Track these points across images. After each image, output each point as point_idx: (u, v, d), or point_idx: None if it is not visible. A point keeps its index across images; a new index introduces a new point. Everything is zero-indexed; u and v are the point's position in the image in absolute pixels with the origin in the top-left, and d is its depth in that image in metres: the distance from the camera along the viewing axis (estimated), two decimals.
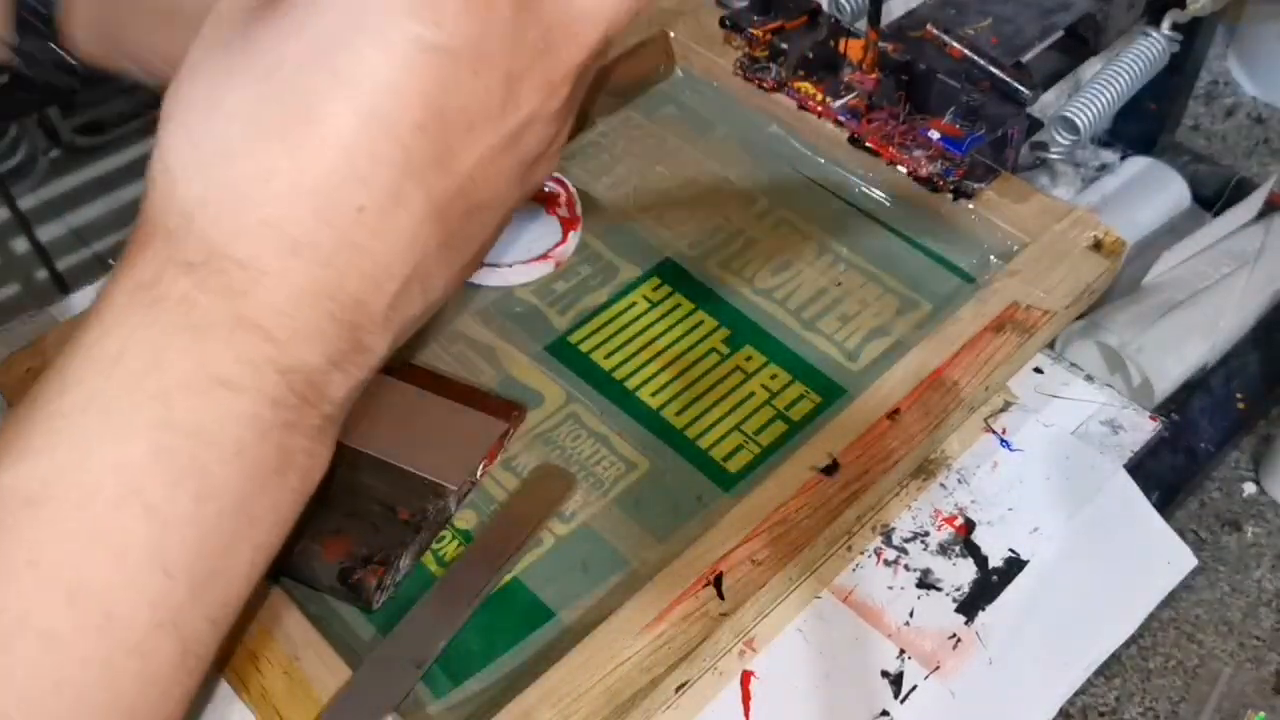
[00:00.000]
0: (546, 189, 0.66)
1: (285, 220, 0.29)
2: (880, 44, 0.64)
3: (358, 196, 0.29)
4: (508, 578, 0.50)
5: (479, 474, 0.53)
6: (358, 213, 0.29)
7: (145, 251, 0.31)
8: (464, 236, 0.33)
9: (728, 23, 0.70)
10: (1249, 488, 0.90)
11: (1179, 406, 0.85)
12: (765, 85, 0.68)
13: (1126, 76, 0.72)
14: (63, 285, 1.43)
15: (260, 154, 0.29)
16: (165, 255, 0.30)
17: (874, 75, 0.65)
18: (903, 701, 0.48)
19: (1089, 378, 0.60)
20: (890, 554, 0.53)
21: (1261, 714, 0.78)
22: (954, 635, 0.50)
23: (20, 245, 1.50)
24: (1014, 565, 0.52)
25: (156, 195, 0.31)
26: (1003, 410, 0.58)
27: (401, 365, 0.57)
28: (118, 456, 0.30)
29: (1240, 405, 0.85)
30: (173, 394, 0.30)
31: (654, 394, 0.57)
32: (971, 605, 0.51)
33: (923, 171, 0.63)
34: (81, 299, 0.63)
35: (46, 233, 1.51)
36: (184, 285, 0.30)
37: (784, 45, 0.67)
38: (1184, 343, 0.85)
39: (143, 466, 0.31)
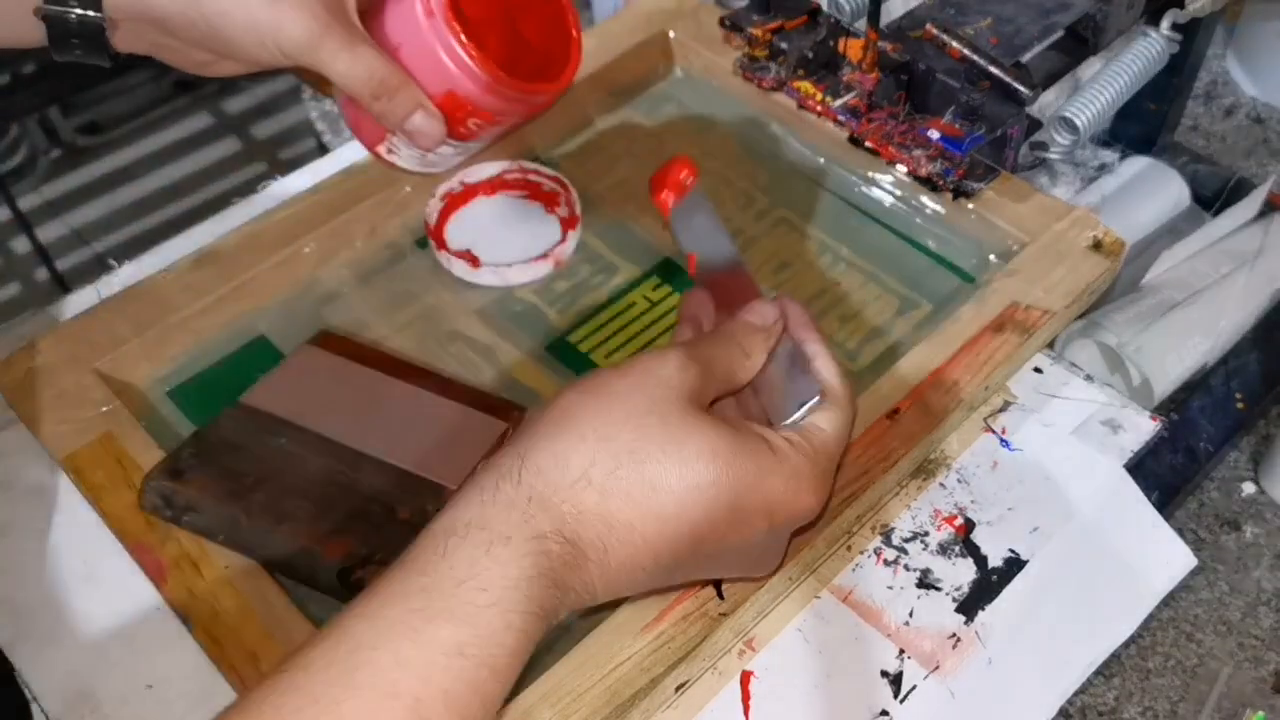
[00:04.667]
0: (546, 188, 0.66)
1: (607, 536, 0.38)
2: (880, 44, 0.64)
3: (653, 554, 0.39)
4: None
5: None
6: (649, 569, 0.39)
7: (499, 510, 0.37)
8: (689, 574, 0.42)
9: (728, 23, 0.70)
10: (1248, 488, 0.90)
11: (1179, 406, 0.85)
12: (765, 85, 0.68)
13: (1126, 76, 0.72)
14: (63, 285, 1.43)
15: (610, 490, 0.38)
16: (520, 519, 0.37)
17: (874, 75, 0.65)
18: (903, 701, 0.48)
19: (1089, 378, 0.60)
20: (890, 554, 0.53)
21: (1261, 714, 0.78)
22: (954, 635, 0.50)
23: (20, 245, 1.50)
24: (1014, 565, 0.52)
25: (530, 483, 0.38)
26: (1003, 410, 0.58)
27: (402, 366, 0.57)
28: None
29: (1240, 405, 0.85)
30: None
31: None
32: (971, 605, 0.51)
33: (923, 171, 0.63)
34: (82, 299, 0.63)
35: (46, 233, 1.51)
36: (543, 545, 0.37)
37: (784, 45, 0.67)
38: (1184, 343, 0.85)
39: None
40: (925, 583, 0.52)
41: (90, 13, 0.47)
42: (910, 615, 0.51)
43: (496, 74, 0.47)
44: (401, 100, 0.48)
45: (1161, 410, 0.82)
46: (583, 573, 0.38)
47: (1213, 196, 0.98)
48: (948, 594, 0.51)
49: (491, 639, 0.35)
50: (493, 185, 0.66)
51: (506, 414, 0.55)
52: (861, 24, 0.66)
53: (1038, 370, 0.60)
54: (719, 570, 0.45)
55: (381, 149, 0.51)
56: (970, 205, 0.62)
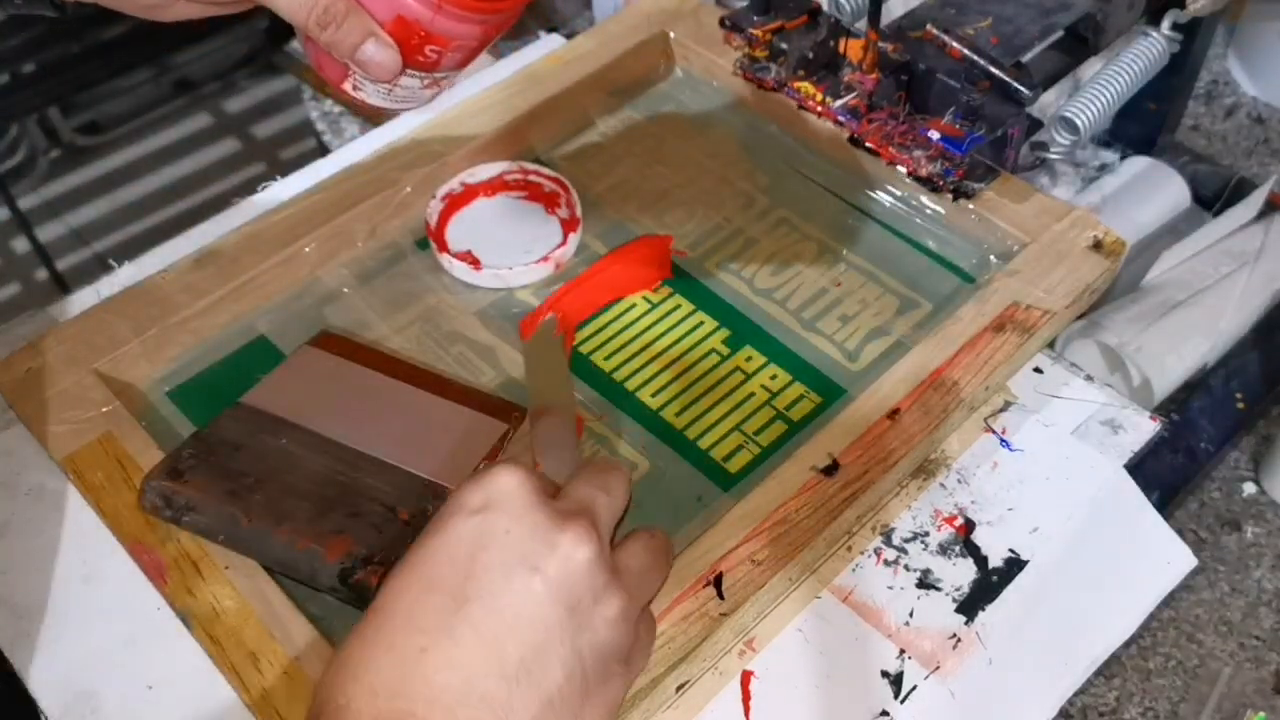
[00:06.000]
0: (546, 189, 0.66)
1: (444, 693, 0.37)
2: (880, 44, 0.64)
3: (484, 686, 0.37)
4: None
5: None
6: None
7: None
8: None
9: (728, 23, 0.70)
10: (1249, 488, 0.90)
11: (1179, 406, 0.85)
12: (765, 85, 0.68)
13: (1126, 76, 0.72)
14: (63, 285, 1.43)
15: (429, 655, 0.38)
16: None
17: (874, 75, 0.65)
18: (903, 701, 0.48)
19: (1089, 378, 0.60)
20: (890, 554, 0.53)
21: (1261, 714, 0.78)
22: (954, 635, 0.50)
23: (20, 245, 1.50)
24: (1014, 565, 0.52)
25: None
26: (1003, 410, 0.58)
27: (402, 367, 0.57)
28: None
29: (1240, 405, 0.85)
30: None
31: (654, 395, 0.57)
32: (971, 605, 0.51)
33: (923, 171, 0.63)
34: (82, 299, 0.63)
35: (46, 233, 1.51)
36: None
37: (784, 45, 0.67)
38: (1184, 343, 0.85)
39: None
40: (925, 583, 0.52)
41: None
42: (910, 615, 0.51)
43: None
44: (350, 28, 0.46)
45: (1161, 410, 0.82)
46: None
47: (1213, 196, 0.98)
48: (948, 594, 0.51)
49: None
50: (493, 186, 0.66)
51: (507, 415, 0.55)
52: (862, 24, 0.66)
53: (1038, 370, 0.60)
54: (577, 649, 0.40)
55: (347, 85, 0.50)
56: (970, 205, 0.62)
